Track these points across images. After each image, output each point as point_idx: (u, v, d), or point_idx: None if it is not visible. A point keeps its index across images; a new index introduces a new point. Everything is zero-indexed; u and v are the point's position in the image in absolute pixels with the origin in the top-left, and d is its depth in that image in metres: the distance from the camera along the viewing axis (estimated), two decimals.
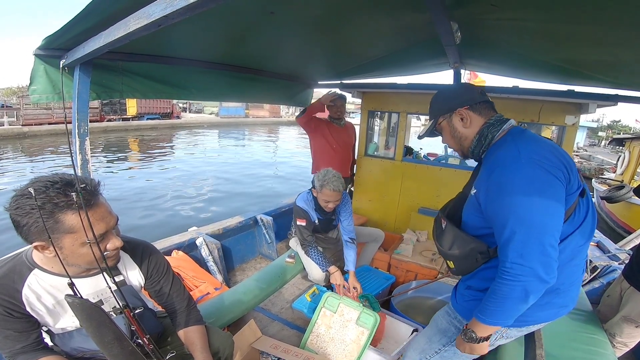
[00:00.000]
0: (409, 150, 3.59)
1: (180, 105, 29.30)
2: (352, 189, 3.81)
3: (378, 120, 3.92)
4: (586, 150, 22.05)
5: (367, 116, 3.48)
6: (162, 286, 1.27)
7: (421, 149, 4.51)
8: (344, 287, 2.20)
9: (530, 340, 1.34)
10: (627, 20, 1.16)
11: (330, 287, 2.34)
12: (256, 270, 2.99)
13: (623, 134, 15.62)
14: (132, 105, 22.32)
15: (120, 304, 0.91)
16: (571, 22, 1.34)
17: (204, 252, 2.73)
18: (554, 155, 1.00)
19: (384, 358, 1.80)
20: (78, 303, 0.82)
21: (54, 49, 1.62)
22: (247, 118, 33.10)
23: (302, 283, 2.88)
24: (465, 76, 2.80)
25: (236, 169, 11.60)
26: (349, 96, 3.55)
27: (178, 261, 2.52)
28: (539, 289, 0.96)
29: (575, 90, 2.49)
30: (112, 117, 21.42)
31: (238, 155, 14.75)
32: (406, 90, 3.12)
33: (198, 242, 2.76)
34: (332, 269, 2.27)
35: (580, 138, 24.82)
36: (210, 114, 33.26)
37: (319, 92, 3.70)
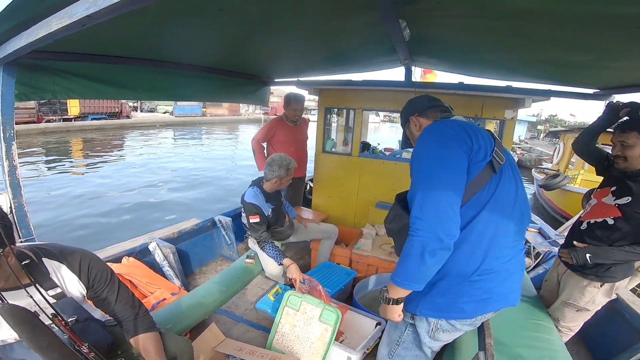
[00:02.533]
0: (365, 146, 3.67)
1: (130, 104, 27.49)
2: (311, 184, 3.83)
3: (335, 117, 3.96)
4: (527, 143, 23.97)
5: (324, 113, 3.50)
6: (106, 295, 1.22)
7: (378, 144, 4.63)
8: (301, 281, 2.18)
9: (481, 329, 1.39)
10: (557, 17, 1.24)
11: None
12: (217, 273, 2.92)
13: (560, 127, 17.18)
14: (74, 105, 20.57)
15: (48, 313, 0.87)
16: (506, 18, 1.40)
17: (158, 257, 2.62)
18: (461, 127, 1.14)
19: (350, 353, 1.83)
20: (7, 308, 0.79)
21: None
22: (205, 117, 31.93)
23: (265, 283, 2.86)
24: (417, 72, 2.91)
25: (192, 170, 11.20)
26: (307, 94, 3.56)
27: (129, 268, 2.41)
28: (436, 246, 1.01)
29: (513, 86, 2.65)
30: (51, 117, 19.59)
31: (194, 155, 14.22)
32: (361, 87, 3.18)
33: (151, 247, 2.65)
34: (287, 261, 2.27)
35: (522, 131, 26.92)
36: (165, 112, 31.64)
37: (280, 90, 3.68)
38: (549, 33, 1.46)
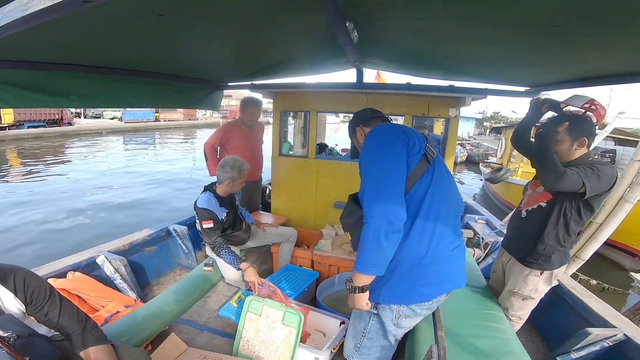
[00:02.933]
0: (322, 147, 3.70)
1: (72, 110, 25.36)
2: (270, 187, 3.81)
3: (291, 120, 3.97)
4: (475, 139, 25.57)
5: (279, 116, 3.49)
6: (47, 311, 1.22)
7: (336, 145, 4.70)
8: (259, 284, 2.17)
9: (434, 322, 1.45)
10: (490, 19, 1.33)
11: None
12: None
13: (503, 123, 18.39)
14: (7, 112, 18.55)
15: None
16: (444, 20, 1.48)
17: (108, 270, 2.52)
18: (397, 126, 1.36)
19: (316, 354, 1.85)
20: None
21: None
22: (158, 122, 30.27)
23: (228, 290, 2.82)
24: (372, 74, 3.00)
25: (146, 177, 10.63)
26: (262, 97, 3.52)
27: (75, 283, 2.33)
28: (388, 229, 1.15)
29: (455, 86, 2.80)
30: None
31: (148, 162, 13.50)
32: (314, 90, 3.21)
33: (99, 260, 2.54)
34: (244, 265, 2.26)
35: (470, 128, 28.61)
36: (112, 118, 29.54)
37: (240, 93, 3.61)
38: (484, 34, 1.56)
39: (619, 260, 5.98)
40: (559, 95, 2.09)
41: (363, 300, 1.29)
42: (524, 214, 1.95)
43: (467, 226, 3.96)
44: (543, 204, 1.82)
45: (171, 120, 31.72)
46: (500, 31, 1.48)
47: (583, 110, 1.73)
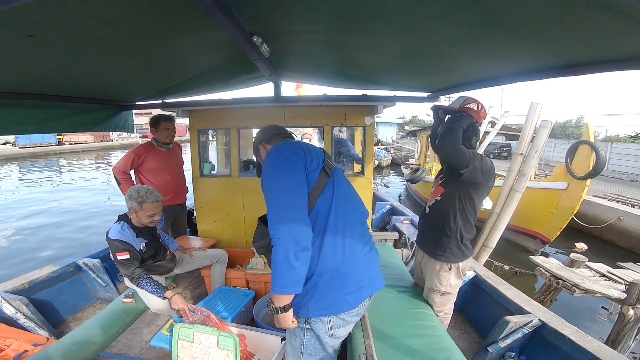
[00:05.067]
0: (247, 164, 3.60)
1: None
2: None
3: (211, 138, 3.81)
4: (398, 142, 27.56)
5: (197, 136, 3.31)
6: None
7: None
8: (190, 310, 2.07)
9: (363, 330, 1.47)
10: (382, 29, 1.41)
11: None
12: None
13: (417, 126, 20.00)
14: None
15: None
16: (346, 32, 1.54)
17: (8, 310, 2.34)
18: (295, 144, 1.37)
19: None
20: None
21: None
22: (62, 145, 26.79)
23: (160, 319, 2.64)
24: (291, 86, 3.03)
25: (50, 210, 9.35)
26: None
27: None
28: (296, 249, 1.16)
29: (368, 95, 2.94)
30: None
31: (52, 193, 11.87)
32: (230, 106, 3.13)
33: None
34: (169, 293, 2.14)
35: (393, 133, 30.70)
36: (4, 143, 25.36)
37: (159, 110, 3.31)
38: (382, 44, 1.66)
39: (524, 244, 6.85)
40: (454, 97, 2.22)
41: (288, 319, 1.28)
42: (427, 209, 2.12)
43: (394, 228, 4.16)
44: (439, 198, 2.00)
45: (78, 143, 28.25)
46: (396, 40, 1.58)
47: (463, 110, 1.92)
